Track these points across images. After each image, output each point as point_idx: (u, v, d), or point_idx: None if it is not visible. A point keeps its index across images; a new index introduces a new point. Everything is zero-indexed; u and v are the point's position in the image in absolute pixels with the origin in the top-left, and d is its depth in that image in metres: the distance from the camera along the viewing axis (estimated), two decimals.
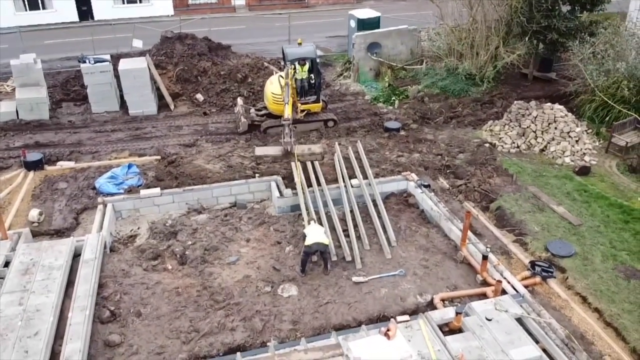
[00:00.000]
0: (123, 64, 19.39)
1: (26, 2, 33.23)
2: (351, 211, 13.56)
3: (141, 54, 22.31)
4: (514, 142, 16.54)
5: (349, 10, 39.03)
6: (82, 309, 9.87)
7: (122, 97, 20.02)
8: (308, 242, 11.42)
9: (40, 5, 33.55)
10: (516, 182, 14.67)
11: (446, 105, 19.70)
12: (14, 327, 9.49)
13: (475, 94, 20.08)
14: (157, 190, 14.04)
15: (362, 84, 22.34)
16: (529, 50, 20.04)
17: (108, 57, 20.25)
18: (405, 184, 14.85)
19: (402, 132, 18.16)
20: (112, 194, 14.36)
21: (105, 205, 13.57)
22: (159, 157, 16.41)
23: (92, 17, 34.57)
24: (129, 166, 15.44)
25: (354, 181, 14.59)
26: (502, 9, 19.44)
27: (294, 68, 16.91)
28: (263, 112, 18.67)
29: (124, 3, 35.42)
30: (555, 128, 16.24)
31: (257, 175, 14.04)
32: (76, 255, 11.78)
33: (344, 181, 14.62)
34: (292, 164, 14.00)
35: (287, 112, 13.50)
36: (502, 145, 16.59)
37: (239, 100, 19.51)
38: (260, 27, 31.05)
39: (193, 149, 16.96)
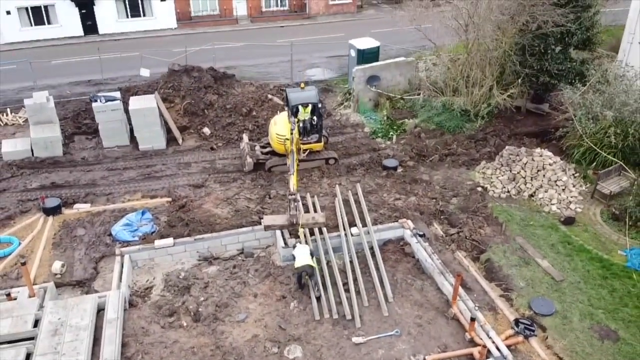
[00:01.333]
0: (133, 103, 20.26)
1: (31, 18, 33.86)
2: (350, 262, 14.64)
3: (149, 86, 23.14)
4: (504, 187, 17.52)
5: (349, 20, 39.88)
6: None
7: (131, 130, 20.94)
8: (297, 265, 13.41)
9: (45, 20, 34.19)
10: (505, 232, 15.69)
11: (441, 141, 20.62)
12: None
13: (469, 130, 20.98)
14: (171, 240, 15.07)
15: (362, 114, 23.22)
16: (522, 90, 20.88)
17: (118, 94, 21.09)
18: (401, 232, 15.89)
19: (400, 170, 19.13)
20: (128, 242, 15.42)
21: (122, 257, 14.61)
22: (169, 199, 17.41)
23: (97, 32, 35.23)
24: (143, 213, 16.44)
25: (354, 230, 15.62)
26: (496, 52, 20.23)
27: (298, 123, 17.73)
28: (267, 149, 19.61)
29: (128, 17, 36.06)
30: (544, 176, 17.20)
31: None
32: (99, 310, 12.88)
33: (344, 229, 15.67)
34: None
35: (292, 184, 14.42)
36: (493, 190, 17.56)
37: (245, 137, 20.41)
38: (262, 43, 31.68)
39: (202, 191, 17.93)
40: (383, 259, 14.81)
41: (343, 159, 19.83)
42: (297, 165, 15.85)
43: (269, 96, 23.26)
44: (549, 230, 15.73)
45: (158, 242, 15.02)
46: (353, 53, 25.27)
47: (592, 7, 19.49)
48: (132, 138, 21.00)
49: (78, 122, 22.16)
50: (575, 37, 19.45)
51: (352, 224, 15.93)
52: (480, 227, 15.82)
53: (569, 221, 16.00)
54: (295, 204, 14.34)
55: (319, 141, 19.09)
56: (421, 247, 14.98)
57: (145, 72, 24.51)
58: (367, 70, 23.11)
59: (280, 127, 18.37)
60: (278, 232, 15.33)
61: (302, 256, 13.51)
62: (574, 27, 19.00)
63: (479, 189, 17.75)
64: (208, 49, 27.98)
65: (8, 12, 32.63)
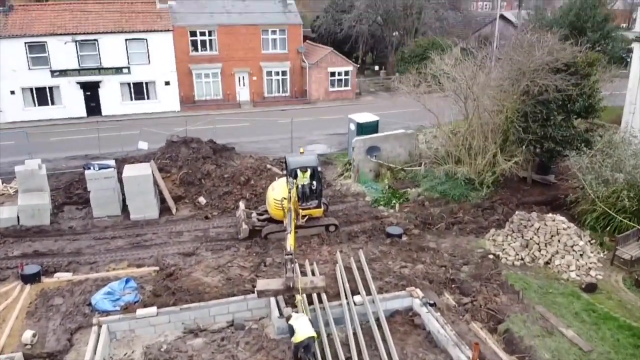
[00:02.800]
0: (127, 171, 19.68)
1: (35, 98, 34.48)
2: (354, 333, 13.11)
3: (146, 157, 22.76)
4: (517, 254, 16.36)
5: (348, 105, 40.67)
6: None
7: (124, 200, 20.14)
8: (299, 338, 11.72)
9: (49, 101, 34.80)
10: (523, 300, 14.32)
11: (447, 210, 19.76)
12: None
13: (475, 199, 20.19)
14: (154, 309, 13.66)
15: (363, 184, 22.59)
16: (527, 158, 20.40)
17: (112, 162, 20.62)
18: (410, 301, 14.49)
19: (404, 238, 18.06)
20: (108, 312, 14.00)
21: (100, 327, 13.14)
22: (157, 269, 16.18)
23: (100, 113, 35.73)
24: (127, 281, 15.15)
25: (357, 298, 14.25)
26: (498, 118, 20.03)
27: (297, 186, 17.10)
28: (264, 216, 18.71)
29: (132, 100, 36.75)
30: (559, 241, 16.13)
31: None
32: None
33: (346, 297, 14.30)
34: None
35: (289, 244, 13.42)
36: (506, 257, 16.39)
37: (241, 205, 19.61)
38: (264, 124, 31.96)
39: (192, 259, 16.75)
40: (390, 330, 13.26)
41: (344, 227, 18.85)
42: (295, 223, 14.85)
43: (268, 166, 22.80)
44: (571, 298, 14.36)
45: (140, 312, 13.60)
46: (352, 127, 25.22)
47: (591, 75, 19.53)
48: (124, 208, 20.16)
49: (70, 192, 21.48)
50: (577, 104, 19.27)
51: (354, 292, 14.58)
52: (495, 295, 14.46)
53: (590, 288, 14.67)
54: (292, 265, 13.14)
55: (318, 207, 18.24)
56: (432, 318, 13.53)
57: (143, 145, 24.28)
58: (366, 141, 22.86)
59: (278, 192, 17.59)
60: (273, 301, 13.95)
61: (303, 327, 11.97)
62: (575, 93, 18.88)
63: (491, 256, 16.57)
64: (209, 127, 28.06)
65: (12, 92, 33.31)
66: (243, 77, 40.79)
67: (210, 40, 38.81)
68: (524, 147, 19.76)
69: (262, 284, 13.43)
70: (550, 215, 17.00)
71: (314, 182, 18.13)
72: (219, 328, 13.76)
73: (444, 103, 22.89)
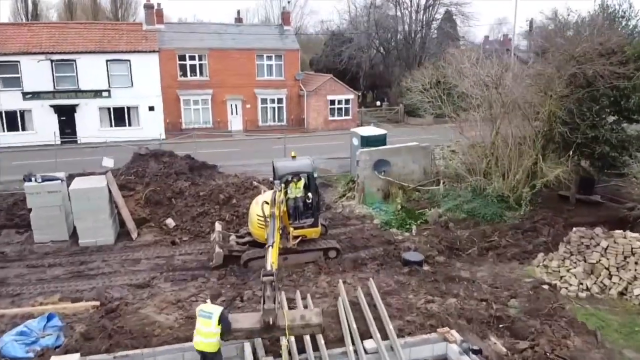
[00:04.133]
0: (76, 183, 15.84)
1: (4, 123, 31.10)
2: None
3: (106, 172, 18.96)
4: (581, 283, 12.24)
5: (349, 134, 37.29)
6: None
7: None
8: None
9: (19, 126, 31.41)
10: (604, 343, 10.08)
11: (478, 232, 15.76)
12: None
13: (512, 219, 16.25)
14: (75, 357, 9.44)
15: (370, 206, 18.68)
16: (576, 167, 16.49)
17: (62, 175, 16.81)
18: (444, 347, 10.24)
19: (426, 267, 13.97)
20: (17, 359, 9.80)
21: None
22: (97, 304, 12.01)
23: (76, 141, 32.22)
24: (49, 317, 10.97)
25: (369, 343, 10.03)
26: (537, 115, 16.31)
27: (285, 189, 13.30)
28: (246, 239, 14.78)
29: (111, 126, 33.37)
30: (636, 263, 12.05)
31: None
32: None
33: (353, 343, 10.08)
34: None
35: (270, 262, 9.34)
36: (566, 287, 12.27)
37: (217, 225, 15.66)
38: (256, 149, 28.37)
39: (145, 291, 12.59)
40: None
41: (348, 253, 14.85)
42: (280, 233, 10.84)
43: (255, 183, 18.96)
44: None
45: (55, 359, 9.38)
46: (356, 141, 21.61)
47: None
48: (74, 232, 16.17)
49: (12, 214, 17.59)
50: (632, 101, 15.63)
51: (364, 336, 10.37)
52: (564, 337, 10.21)
53: None
54: (274, 292, 9.01)
55: (314, 225, 14.25)
56: None
57: (108, 162, 20.49)
58: (374, 153, 19.11)
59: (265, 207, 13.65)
60: (247, 348, 9.75)
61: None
62: (630, 86, 15.27)
63: (545, 286, 12.41)
64: (191, 151, 24.44)
65: None
66: (236, 105, 37.71)
67: (201, 65, 35.98)
68: (570, 152, 15.90)
69: (231, 320, 9.24)
70: (619, 231, 12.96)
71: (309, 195, 14.26)
72: None
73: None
